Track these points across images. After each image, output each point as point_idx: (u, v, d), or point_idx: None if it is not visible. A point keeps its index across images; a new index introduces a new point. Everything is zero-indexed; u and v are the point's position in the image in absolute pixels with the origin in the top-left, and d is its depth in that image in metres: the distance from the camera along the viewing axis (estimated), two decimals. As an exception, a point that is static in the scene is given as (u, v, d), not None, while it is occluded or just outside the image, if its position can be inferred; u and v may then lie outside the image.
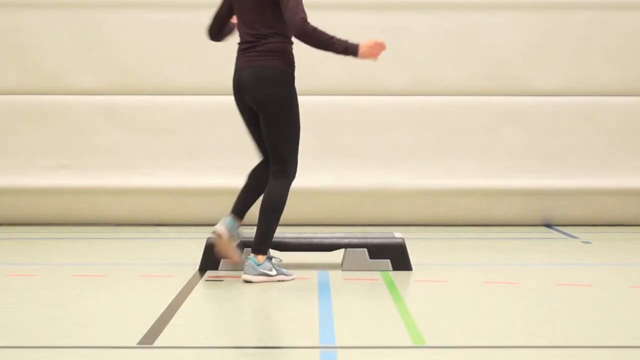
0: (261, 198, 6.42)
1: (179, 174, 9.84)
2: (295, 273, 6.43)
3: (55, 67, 9.83)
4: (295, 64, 6.37)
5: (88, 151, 9.84)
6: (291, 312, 5.52)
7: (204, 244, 6.80)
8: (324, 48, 6.13)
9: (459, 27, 9.88)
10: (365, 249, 6.77)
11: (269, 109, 6.29)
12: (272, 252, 6.62)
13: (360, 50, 6.10)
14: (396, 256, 6.77)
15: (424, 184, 9.82)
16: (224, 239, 6.33)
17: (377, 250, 6.75)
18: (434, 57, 9.88)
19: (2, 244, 8.79)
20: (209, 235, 6.88)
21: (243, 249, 6.51)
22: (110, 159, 9.85)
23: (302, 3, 6.14)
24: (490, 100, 9.92)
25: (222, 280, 6.38)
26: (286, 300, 5.86)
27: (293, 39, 6.27)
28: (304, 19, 6.09)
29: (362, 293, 6.08)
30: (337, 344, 4.61)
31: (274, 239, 6.62)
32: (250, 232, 6.51)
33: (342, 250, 6.85)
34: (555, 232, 9.41)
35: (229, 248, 6.37)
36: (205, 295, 6.05)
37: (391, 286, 6.19)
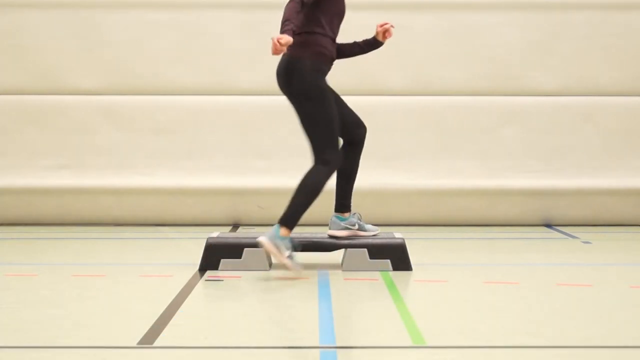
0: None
1: (179, 174, 9.84)
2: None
3: (55, 67, 9.83)
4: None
5: (88, 151, 9.84)
6: (291, 312, 5.52)
7: (204, 244, 6.80)
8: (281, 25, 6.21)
9: (459, 27, 9.88)
10: (365, 249, 6.77)
11: (298, 97, 6.59)
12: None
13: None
14: (396, 256, 6.77)
15: (424, 184, 9.83)
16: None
17: (377, 250, 6.75)
18: (434, 57, 9.88)
19: (2, 244, 8.79)
20: (209, 235, 6.89)
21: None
22: (110, 159, 9.85)
23: None
24: (490, 100, 9.92)
25: (222, 280, 6.38)
26: (286, 300, 5.86)
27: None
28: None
29: (362, 293, 6.08)
30: (337, 344, 4.61)
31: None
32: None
33: (342, 250, 6.86)
34: (555, 232, 9.41)
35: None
36: (205, 295, 6.05)
37: (391, 286, 6.19)
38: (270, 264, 6.86)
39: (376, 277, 6.49)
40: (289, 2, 6.24)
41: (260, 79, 9.72)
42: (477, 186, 9.83)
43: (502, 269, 7.17)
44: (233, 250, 6.76)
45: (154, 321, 5.05)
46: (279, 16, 6.35)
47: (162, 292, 5.91)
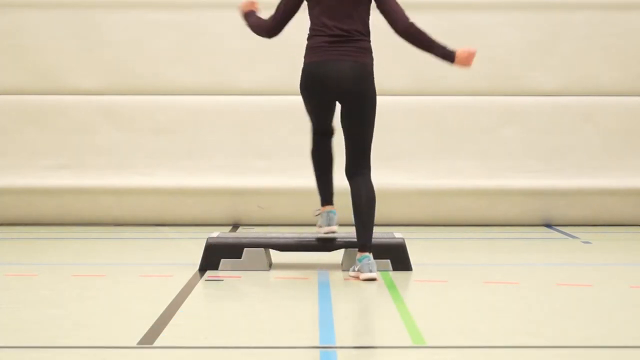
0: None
1: (179, 174, 9.84)
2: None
3: (55, 67, 9.83)
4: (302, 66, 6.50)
5: (88, 151, 9.84)
6: (291, 312, 5.52)
7: (204, 244, 6.80)
8: (426, 49, 6.56)
9: (459, 27, 9.87)
10: (365, 249, 6.75)
11: (367, 104, 6.58)
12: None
13: (457, 59, 6.57)
14: (396, 256, 6.77)
15: (424, 184, 9.82)
16: None
17: (377, 250, 6.75)
18: (434, 57, 9.86)
19: (2, 244, 8.79)
20: (209, 235, 6.89)
21: None
22: (110, 159, 9.85)
23: None
24: (490, 100, 9.91)
25: (222, 280, 6.38)
26: (286, 300, 5.86)
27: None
28: (410, 20, 6.51)
29: (362, 293, 6.08)
30: (337, 344, 4.61)
31: (273, 239, 6.65)
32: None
33: (342, 250, 6.85)
34: (555, 232, 9.41)
35: None
36: (205, 295, 6.05)
37: (391, 286, 6.19)
38: (270, 264, 6.86)
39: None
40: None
41: (260, 79, 9.72)
42: (477, 186, 9.82)
43: (502, 269, 7.17)
44: (233, 250, 6.76)
45: (154, 321, 5.05)
46: (279, 16, 6.36)
47: (162, 292, 5.91)
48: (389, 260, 6.75)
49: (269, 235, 6.89)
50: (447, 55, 6.52)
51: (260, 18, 6.62)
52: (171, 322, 5.07)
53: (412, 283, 6.40)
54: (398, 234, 7.03)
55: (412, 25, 6.53)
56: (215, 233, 7.04)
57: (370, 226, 6.48)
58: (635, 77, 9.89)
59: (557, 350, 4.53)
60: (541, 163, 9.88)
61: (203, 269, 6.74)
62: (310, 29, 6.47)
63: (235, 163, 9.76)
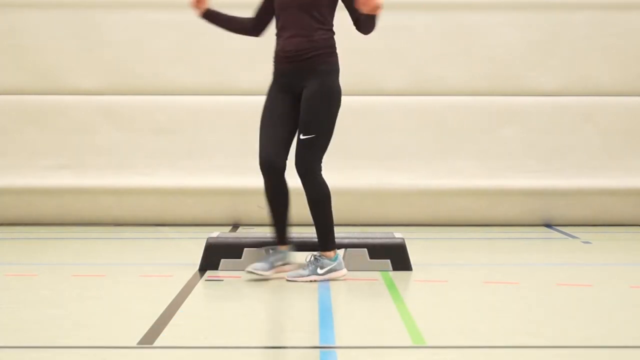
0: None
1: (179, 174, 9.84)
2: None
3: (55, 67, 9.83)
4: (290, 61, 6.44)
5: (88, 151, 9.84)
6: (291, 312, 5.52)
7: (204, 244, 6.80)
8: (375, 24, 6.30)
9: (458, 27, 9.88)
10: (365, 249, 6.77)
11: None
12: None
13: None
14: (396, 256, 6.77)
15: (424, 184, 9.82)
16: None
17: (377, 250, 6.75)
18: (434, 57, 9.88)
19: (2, 244, 8.79)
20: (209, 235, 6.89)
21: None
22: (110, 159, 9.85)
23: None
24: (490, 100, 9.92)
25: (222, 280, 6.38)
26: (286, 300, 5.86)
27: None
28: None
29: (362, 293, 6.08)
30: (337, 344, 4.61)
31: (274, 239, 6.65)
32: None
33: (342, 250, 6.85)
34: (555, 232, 9.41)
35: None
36: (205, 295, 6.05)
37: (391, 286, 6.19)
38: (270, 264, 6.86)
39: (376, 277, 6.49)
40: None
41: (260, 79, 9.66)
42: (477, 186, 9.82)
43: (502, 269, 7.17)
44: (233, 250, 6.76)
45: (154, 321, 5.05)
46: (279, 16, 6.36)
47: (162, 292, 5.91)
48: (389, 260, 6.76)
49: (269, 235, 6.89)
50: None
51: (234, 18, 6.59)
52: (171, 322, 5.07)
53: (412, 283, 6.40)
54: (398, 234, 7.03)
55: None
56: (215, 233, 7.04)
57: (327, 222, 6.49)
58: (635, 77, 9.90)
59: (557, 350, 4.53)
60: (541, 163, 9.88)
61: (203, 269, 6.74)
62: (331, 30, 6.41)
63: (235, 163, 9.75)
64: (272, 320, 5.37)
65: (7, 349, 4.50)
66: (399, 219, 9.76)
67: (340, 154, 9.83)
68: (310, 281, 6.26)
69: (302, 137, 6.29)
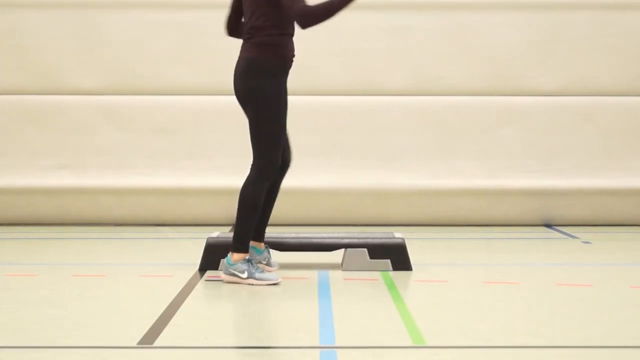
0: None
1: (179, 174, 9.84)
2: (280, 278, 6.31)
3: (55, 67, 9.83)
4: (294, 62, 6.37)
5: (88, 151, 9.84)
6: (291, 312, 5.52)
7: (204, 244, 6.80)
8: (333, 13, 6.07)
9: (459, 27, 9.88)
10: (365, 249, 6.77)
11: (249, 99, 6.31)
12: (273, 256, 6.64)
13: None
14: (396, 256, 6.77)
15: (424, 184, 9.83)
16: None
17: (377, 250, 6.75)
18: (434, 57, 9.88)
19: (2, 244, 8.79)
20: (209, 235, 6.89)
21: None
22: (110, 159, 9.85)
23: None
24: (490, 100, 9.92)
25: (222, 280, 6.37)
26: (286, 300, 5.86)
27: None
28: (302, 6, 6.04)
29: (362, 293, 6.08)
30: (337, 344, 4.61)
31: (273, 239, 6.64)
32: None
33: (342, 250, 6.85)
34: (555, 232, 9.41)
35: None
36: (205, 295, 6.05)
37: (391, 286, 6.19)
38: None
39: (376, 277, 6.49)
40: None
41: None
42: (477, 186, 9.82)
43: (502, 269, 7.17)
44: (233, 250, 6.75)
45: (154, 321, 5.05)
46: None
47: (162, 292, 5.91)
48: (389, 260, 6.76)
49: (269, 235, 6.88)
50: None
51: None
52: (171, 322, 5.07)
53: (412, 283, 6.40)
54: (398, 234, 7.03)
55: (303, 9, 6.04)
56: (215, 233, 7.04)
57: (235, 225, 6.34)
58: (635, 77, 9.90)
59: (557, 350, 4.53)
60: (541, 163, 9.88)
61: (203, 269, 6.74)
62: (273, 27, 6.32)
63: (235, 163, 9.75)
64: (272, 320, 5.37)
65: (7, 349, 4.50)
66: (399, 219, 9.76)
67: (341, 154, 9.85)
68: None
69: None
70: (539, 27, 9.89)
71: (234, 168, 9.77)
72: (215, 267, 6.71)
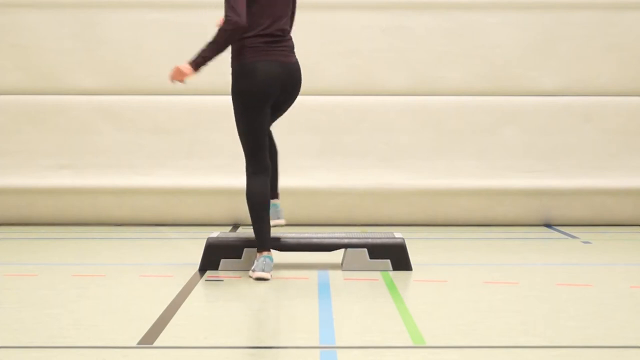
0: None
1: (179, 174, 9.84)
2: (270, 275, 6.37)
3: (55, 67, 9.83)
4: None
5: (88, 151, 9.84)
6: (291, 312, 5.52)
7: (204, 244, 6.80)
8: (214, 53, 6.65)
9: (458, 27, 9.88)
10: (365, 249, 6.77)
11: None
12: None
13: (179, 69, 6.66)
14: (396, 256, 6.77)
15: (424, 184, 9.82)
16: None
17: (377, 250, 6.75)
18: (434, 57, 9.88)
19: (2, 244, 8.79)
20: (209, 235, 6.89)
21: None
22: (110, 159, 9.85)
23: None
24: (490, 100, 9.92)
25: (222, 280, 6.38)
26: (286, 300, 5.86)
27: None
28: (229, 18, 6.30)
29: (362, 293, 6.08)
30: (337, 344, 4.61)
31: (273, 239, 6.65)
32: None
33: (342, 250, 6.85)
34: (555, 232, 9.41)
35: None
36: (205, 295, 6.05)
37: (391, 286, 6.19)
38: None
39: (376, 277, 6.49)
40: None
41: (260, 79, 9.70)
42: (477, 186, 9.82)
43: (502, 268, 7.17)
44: (233, 250, 6.76)
45: (154, 321, 5.05)
46: (279, 16, 6.36)
47: (162, 292, 5.91)
48: (389, 260, 6.76)
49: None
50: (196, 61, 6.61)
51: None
52: (171, 322, 5.07)
53: (412, 283, 6.40)
54: (398, 234, 7.03)
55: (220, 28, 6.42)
56: (215, 233, 7.04)
57: (254, 226, 6.48)
58: (635, 77, 9.90)
59: (557, 350, 4.53)
60: (541, 163, 9.88)
61: (203, 269, 6.74)
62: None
63: (235, 163, 9.72)
64: (272, 320, 5.37)
65: (7, 349, 4.50)
66: (399, 219, 9.76)
67: (341, 154, 9.84)
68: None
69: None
70: (539, 27, 9.89)
71: (234, 168, 9.76)
72: (215, 267, 6.71)
